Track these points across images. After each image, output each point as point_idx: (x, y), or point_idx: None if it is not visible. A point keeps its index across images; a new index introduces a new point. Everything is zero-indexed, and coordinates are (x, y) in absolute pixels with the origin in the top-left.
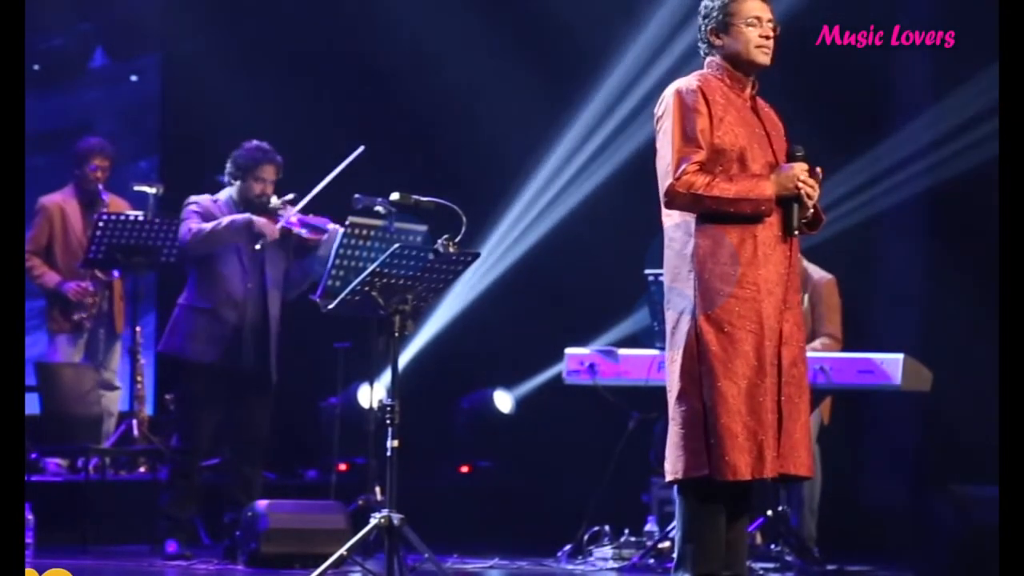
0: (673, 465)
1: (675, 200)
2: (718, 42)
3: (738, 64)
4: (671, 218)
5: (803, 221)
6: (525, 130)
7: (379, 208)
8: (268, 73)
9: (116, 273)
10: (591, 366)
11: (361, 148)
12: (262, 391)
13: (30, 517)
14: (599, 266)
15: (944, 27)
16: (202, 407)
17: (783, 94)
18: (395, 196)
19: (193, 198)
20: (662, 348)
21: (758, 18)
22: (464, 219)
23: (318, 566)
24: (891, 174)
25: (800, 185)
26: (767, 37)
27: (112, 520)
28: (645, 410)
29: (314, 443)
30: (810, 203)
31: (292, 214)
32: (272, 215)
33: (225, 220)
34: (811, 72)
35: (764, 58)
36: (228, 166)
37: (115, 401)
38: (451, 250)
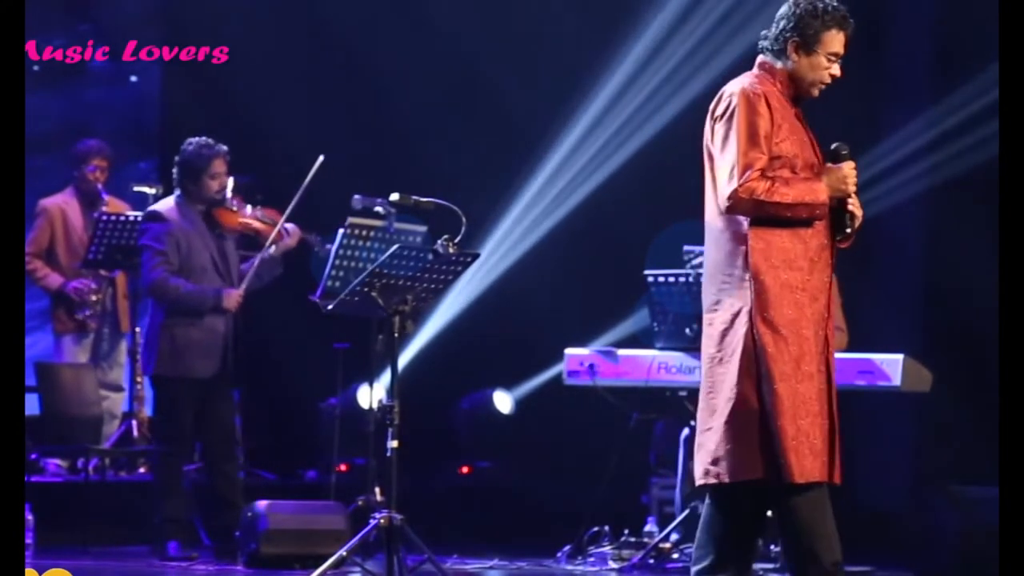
0: (722, 468)
1: (737, 206)
2: (794, 56)
3: (795, 85)
4: (720, 219)
5: (850, 224)
6: (525, 130)
7: (379, 209)
8: (268, 73)
9: (118, 270)
10: (591, 366)
11: (321, 158)
12: (230, 388)
13: (30, 517)
14: (599, 266)
15: (943, 27)
16: (184, 411)
17: None
18: (395, 197)
19: (158, 210)
20: (662, 348)
21: (837, 55)
22: (464, 219)
23: (318, 567)
24: (891, 174)
25: (850, 185)
26: (833, 77)
27: (112, 520)
28: (645, 410)
29: (314, 443)
30: (858, 213)
31: (250, 209)
32: (230, 212)
33: (196, 295)
34: None
35: (816, 94)
36: (175, 171)
37: (119, 403)
38: (451, 250)
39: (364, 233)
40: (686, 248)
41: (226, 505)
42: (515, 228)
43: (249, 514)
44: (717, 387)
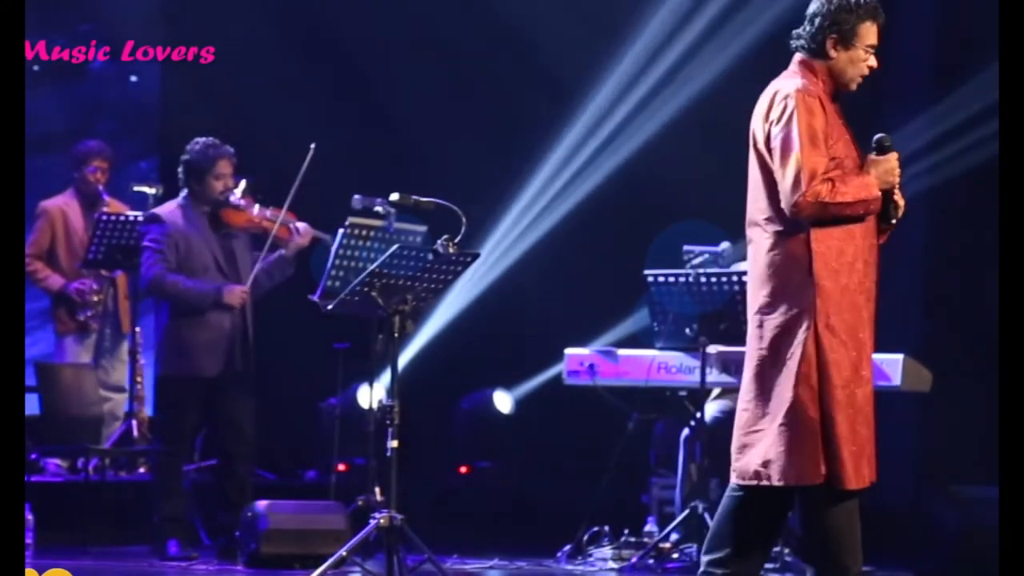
0: (773, 470)
1: (803, 211)
2: (832, 52)
3: (835, 80)
4: (775, 221)
5: (894, 214)
6: (525, 129)
7: (379, 209)
8: (268, 73)
9: (118, 271)
10: (591, 366)
11: (313, 146)
12: (248, 391)
13: (30, 517)
14: (599, 266)
15: (943, 27)
16: (188, 411)
17: None
18: (395, 196)
19: (158, 212)
20: (662, 348)
21: (873, 47)
22: (464, 219)
23: (318, 567)
24: None
25: (896, 176)
26: (871, 69)
27: (112, 520)
28: (645, 410)
29: (314, 443)
30: (901, 203)
31: (258, 208)
32: (237, 211)
33: (195, 291)
34: None
35: (855, 87)
36: (182, 170)
37: (122, 405)
38: (451, 250)
39: (364, 233)
40: (686, 248)
41: (231, 506)
42: (515, 228)
43: (249, 514)
44: (769, 390)
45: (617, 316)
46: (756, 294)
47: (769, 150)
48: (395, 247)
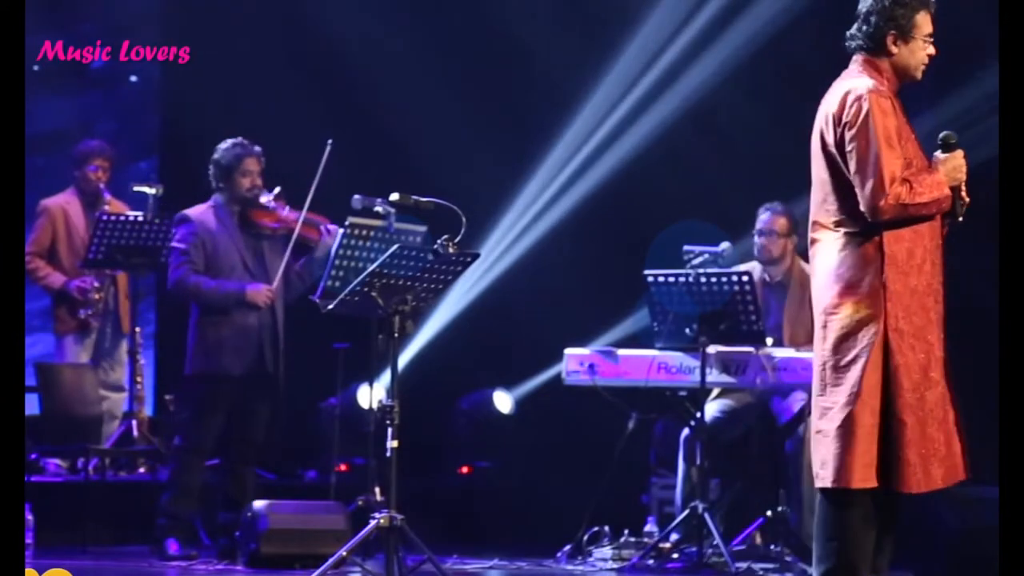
0: (828, 471)
1: (885, 215)
2: (893, 48)
3: (900, 75)
4: (845, 222)
5: (961, 211)
6: (525, 129)
7: (379, 208)
8: (267, 73)
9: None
10: (591, 366)
11: (330, 142)
12: (269, 393)
13: (30, 517)
14: (599, 266)
15: (943, 27)
16: (213, 410)
17: (784, 93)
18: (395, 196)
19: (187, 213)
20: (662, 348)
21: (931, 35)
22: (464, 219)
23: (318, 567)
24: None
25: (964, 173)
26: (930, 57)
27: (112, 520)
28: (645, 410)
29: (314, 443)
30: (967, 200)
31: (288, 210)
32: (266, 211)
33: (218, 291)
34: (811, 72)
35: (920, 77)
36: (211, 171)
37: (119, 404)
38: (451, 250)
39: (364, 233)
40: (686, 248)
41: (232, 506)
42: (515, 227)
43: (249, 514)
44: (830, 391)
45: (617, 316)
46: (822, 295)
47: (843, 153)
48: (395, 247)
